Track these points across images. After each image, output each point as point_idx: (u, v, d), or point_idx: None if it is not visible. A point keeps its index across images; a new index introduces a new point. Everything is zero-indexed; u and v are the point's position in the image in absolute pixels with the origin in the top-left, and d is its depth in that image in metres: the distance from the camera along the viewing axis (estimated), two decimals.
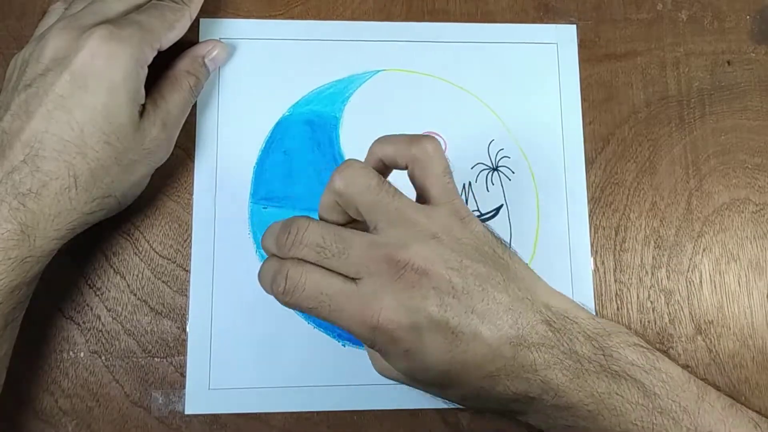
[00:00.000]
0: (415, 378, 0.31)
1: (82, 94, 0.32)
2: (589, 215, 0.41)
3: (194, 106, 0.40)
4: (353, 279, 0.29)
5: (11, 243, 0.31)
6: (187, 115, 0.38)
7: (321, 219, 0.32)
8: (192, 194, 0.40)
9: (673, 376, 0.31)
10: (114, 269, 0.39)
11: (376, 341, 0.29)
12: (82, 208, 0.33)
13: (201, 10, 0.39)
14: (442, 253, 0.29)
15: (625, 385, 0.30)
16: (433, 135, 0.31)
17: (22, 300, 0.33)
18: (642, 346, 0.32)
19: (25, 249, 0.31)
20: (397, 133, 0.32)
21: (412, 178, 0.32)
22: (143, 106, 0.35)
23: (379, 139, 0.32)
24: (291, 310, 0.39)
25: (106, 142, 0.33)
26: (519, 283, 0.30)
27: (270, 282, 0.30)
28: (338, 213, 0.31)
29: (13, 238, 0.31)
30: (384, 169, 0.32)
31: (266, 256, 0.39)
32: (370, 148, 0.32)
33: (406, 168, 0.32)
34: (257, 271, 0.39)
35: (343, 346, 0.39)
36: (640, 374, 0.30)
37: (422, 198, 0.32)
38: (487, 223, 0.41)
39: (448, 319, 0.28)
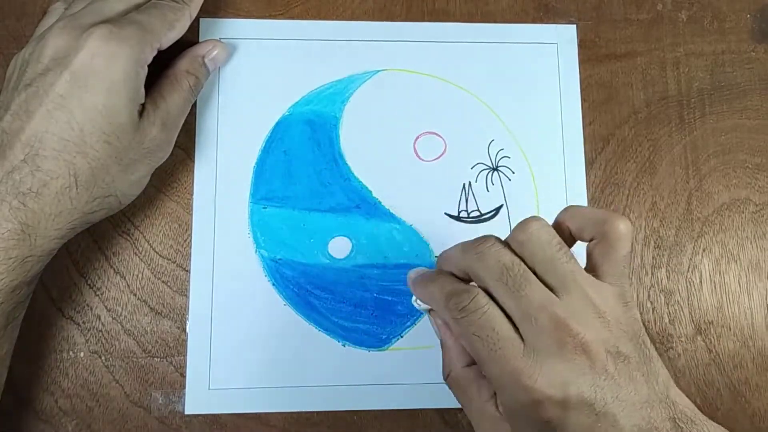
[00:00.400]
0: None
1: (83, 94, 0.32)
2: None
3: (194, 105, 0.40)
4: (518, 332, 0.29)
5: (12, 242, 0.31)
6: (186, 115, 0.38)
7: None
8: (192, 194, 0.40)
9: None
10: (114, 269, 0.39)
11: (522, 402, 0.29)
12: (82, 208, 0.33)
13: (201, 10, 0.39)
14: (604, 336, 0.29)
15: None
16: (623, 216, 0.30)
17: (22, 299, 0.33)
18: None
19: (25, 248, 0.31)
20: (589, 207, 0.32)
21: (591, 251, 0.32)
22: (143, 105, 0.35)
23: (569, 207, 0.32)
24: (290, 310, 0.39)
25: (106, 141, 0.33)
26: (657, 378, 0.31)
27: (450, 294, 0.31)
28: (463, 274, 0.32)
29: (14, 238, 0.31)
30: (566, 239, 0.32)
31: (265, 256, 0.40)
32: (559, 215, 0.32)
33: (589, 240, 0.32)
34: (257, 272, 0.39)
35: (343, 346, 0.39)
36: None
37: (592, 271, 0.32)
38: (487, 222, 0.41)
39: (595, 401, 0.29)
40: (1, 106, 0.33)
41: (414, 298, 0.34)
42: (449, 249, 0.33)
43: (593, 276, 0.31)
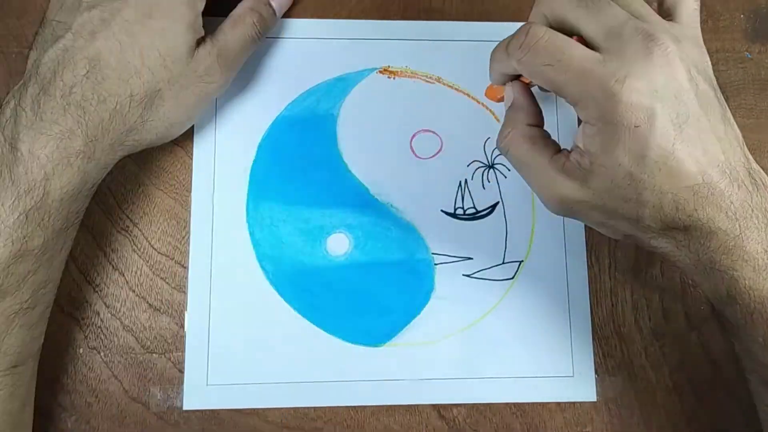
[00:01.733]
0: (630, 171, 0.30)
1: (146, 20, 0.34)
2: None
3: None
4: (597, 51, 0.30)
5: (73, 151, 0.32)
6: (248, 53, 0.38)
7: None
8: (190, 191, 0.40)
9: None
10: (113, 266, 0.39)
11: (609, 108, 0.29)
12: (133, 126, 0.34)
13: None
14: (686, 58, 0.30)
15: None
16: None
17: (80, 209, 0.34)
18: None
19: (86, 159, 0.33)
20: None
21: (662, 1, 0.33)
22: (203, 38, 0.36)
23: None
24: (288, 307, 0.39)
25: (163, 65, 0.34)
26: (731, 124, 0.31)
27: (505, 44, 0.32)
28: (547, 23, 0.32)
29: (77, 147, 0.32)
30: None
31: (263, 253, 0.40)
32: None
33: None
34: (255, 268, 0.39)
35: (341, 342, 0.39)
36: None
37: (668, 18, 0.33)
38: (483, 219, 0.41)
39: (679, 114, 0.29)
40: (59, 25, 0.34)
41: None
42: (532, 10, 0.33)
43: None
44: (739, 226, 0.30)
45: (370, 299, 0.40)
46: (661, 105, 0.29)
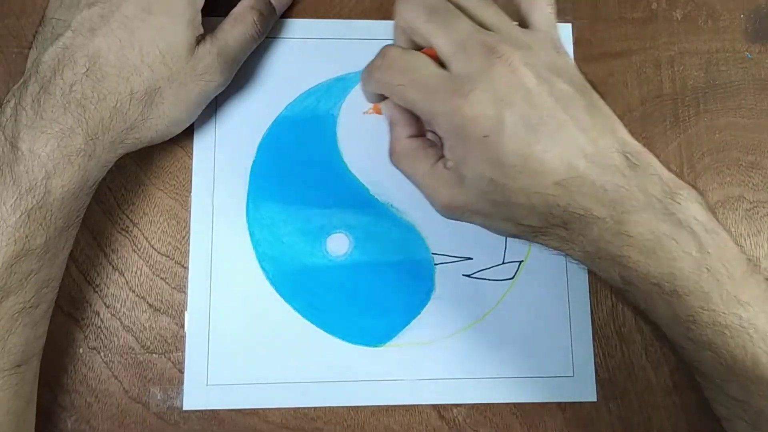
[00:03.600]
0: (491, 177, 0.31)
1: (146, 16, 0.34)
2: None
3: None
4: (444, 68, 0.31)
5: (74, 149, 0.32)
6: (248, 51, 0.39)
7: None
8: (190, 191, 0.40)
9: (728, 245, 0.31)
10: (113, 266, 0.39)
11: (458, 124, 0.30)
12: (133, 124, 0.34)
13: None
14: (535, 62, 0.31)
15: (684, 234, 0.30)
16: None
17: (81, 207, 0.34)
18: (708, 209, 0.31)
19: (86, 157, 0.33)
20: None
21: (518, 5, 0.34)
22: (203, 36, 0.36)
23: None
24: (288, 307, 0.39)
25: (162, 62, 0.34)
26: (602, 114, 0.31)
27: (368, 66, 0.33)
28: (408, 42, 0.34)
29: (78, 145, 0.32)
30: None
31: (263, 253, 0.40)
32: None
33: None
34: (255, 268, 0.39)
35: (341, 342, 0.39)
36: (699, 230, 0.30)
37: (523, 24, 0.33)
38: None
39: (530, 116, 0.30)
40: (58, 22, 0.34)
41: (364, 109, 0.38)
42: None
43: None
44: (617, 211, 0.30)
45: (370, 299, 0.40)
46: (510, 111, 0.30)
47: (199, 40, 0.36)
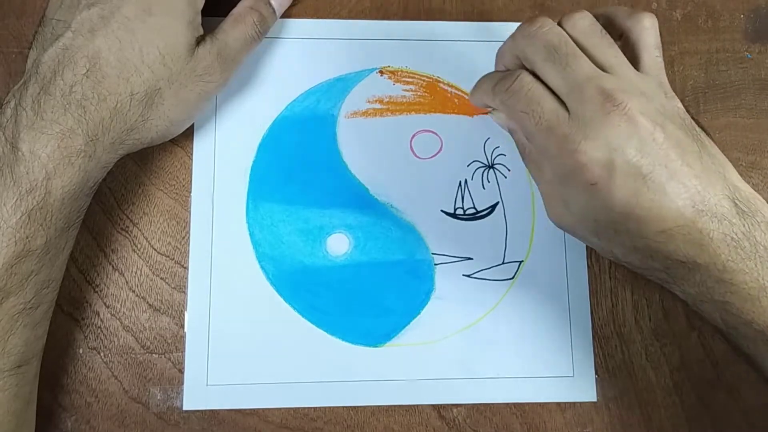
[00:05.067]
0: (596, 218, 0.31)
1: (146, 17, 0.34)
2: None
3: None
4: (565, 106, 0.32)
5: (74, 150, 0.32)
6: (248, 52, 0.38)
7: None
8: (190, 192, 0.40)
9: None
10: (113, 266, 0.39)
11: (569, 167, 0.31)
12: (134, 125, 0.34)
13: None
14: (650, 109, 0.31)
15: None
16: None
17: (82, 207, 0.34)
18: None
19: (87, 158, 0.33)
20: (614, 5, 0.35)
21: (624, 48, 0.34)
22: (203, 37, 0.36)
23: (599, 8, 0.35)
24: (288, 307, 0.39)
25: (162, 63, 0.34)
26: (713, 159, 0.31)
27: (496, 80, 0.34)
28: (516, 65, 0.34)
29: (78, 146, 0.32)
30: None
31: (263, 253, 0.40)
32: (597, 10, 0.35)
33: (619, 38, 0.35)
34: (255, 268, 0.39)
35: (341, 342, 0.39)
36: None
37: (634, 67, 0.34)
38: (482, 219, 0.41)
39: (642, 166, 0.30)
40: (58, 23, 0.34)
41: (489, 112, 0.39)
42: (505, 41, 0.35)
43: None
44: (721, 259, 0.30)
45: (370, 299, 0.40)
46: (621, 161, 0.30)
47: (199, 40, 0.36)
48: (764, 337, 0.31)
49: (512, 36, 0.34)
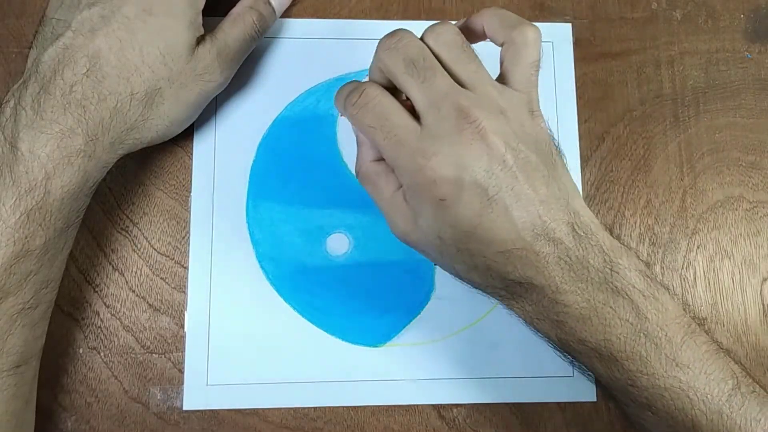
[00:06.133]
0: (440, 234, 0.31)
1: (146, 17, 0.34)
2: None
3: None
4: (417, 120, 0.31)
5: (74, 150, 0.32)
6: (248, 52, 0.39)
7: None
8: (190, 192, 0.40)
9: (668, 309, 0.32)
10: (112, 266, 0.39)
11: (417, 181, 0.31)
12: (134, 124, 0.34)
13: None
14: (505, 130, 0.31)
15: (620, 302, 0.31)
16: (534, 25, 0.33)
17: (81, 207, 0.34)
18: (647, 276, 0.32)
19: (86, 158, 0.33)
20: (505, 11, 0.34)
21: (502, 59, 0.34)
22: (203, 36, 0.36)
23: (486, 9, 0.34)
24: (288, 307, 0.39)
25: (163, 62, 0.34)
26: (560, 184, 0.32)
27: (345, 95, 0.33)
28: (385, 78, 0.33)
29: (78, 146, 0.32)
30: (475, 38, 0.35)
31: (263, 253, 0.40)
32: (476, 14, 0.34)
33: (500, 45, 0.34)
34: (255, 268, 0.39)
35: (341, 342, 0.39)
36: (637, 297, 0.31)
37: (503, 80, 0.33)
38: None
39: (488, 186, 0.30)
40: (58, 22, 0.34)
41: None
42: (380, 45, 0.34)
43: (503, 84, 0.32)
44: (555, 282, 0.31)
45: (370, 299, 0.40)
46: (470, 179, 0.30)
47: (199, 40, 0.36)
48: (597, 354, 0.32)
49: (376, 50, 0.33)
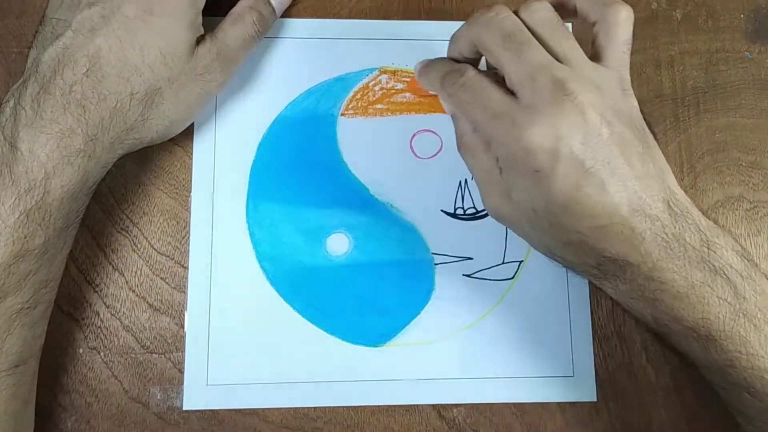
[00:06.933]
0: (534, 207, 0.32)
1: (147, 16, 0.34)
2: None
3: None
4: (514, 95, 0.31)
5: (74, 149, 0.32)
6: (248, 51, 0.38)
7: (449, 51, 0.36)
8: (190, 191, 0.40)
9: (765, 291, 0.32)
10: (113, 266, 0.39)
11: (514, 152, 0.31)
12: (134, 125, 0.34)
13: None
14: (600, 104, 0.31)
15: (719, 281, 0.31)
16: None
17: (80, 207, 0.34)
18: (745, 257, 0.32)
19: (86, 158, 0.33)
20: None
21: (595, 37, 0.34)
22: (203, 36, 0.36)
23: None
24: (288, 306, 0.39)
25: (163, 62, 0.34)
26: (654, 162, 0.32)
27: (443, 74, 0.34)
28: (471, 51, 0.34)
29: (77, 146, 0.32)
30: (567, 15, 0.35)
31: (263, 253, 0.40)
32: None
33: (592, 24, 0.34)
34: (255, 268, 0.39)
35: (341, 342, 0.39)
36: (735, 277, 0.31)
37: (596, 58, 0.34)
38: (483, 219, 0.41)
39: (585, 159, 0.30)
40: (58, 22, 0.34)
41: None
42: (461, 27, 0.35)
43: (596, 62, 0.33)
44: (652, 258, 0.31)
45: (370, 299, 0.40)
46: (566, 151, 0.30)
47: (199, 40, 0.36)
48: (694, 333, 0.31)
49: (468, 22, 0.34)
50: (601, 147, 0.30)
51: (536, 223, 0.32)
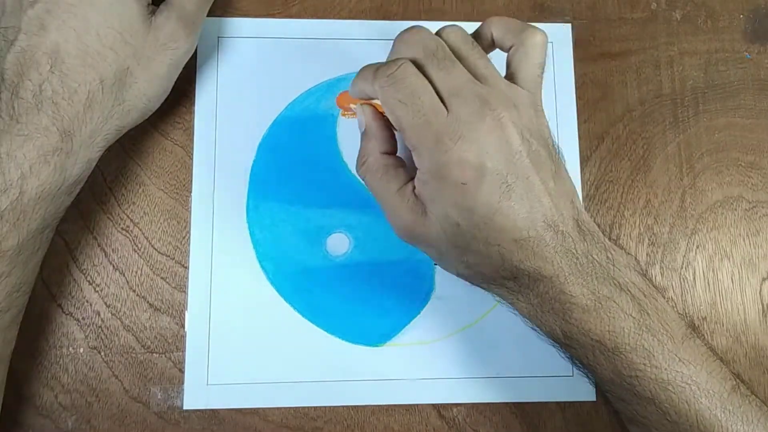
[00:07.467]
0: (457, 221, 0.32)
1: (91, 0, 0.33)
2: None
3: (192, 103, 0.41)
4: (443, 104, 0.32)
5: (50, 148, 0.32)
6: (206, 11, 0.38)
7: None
8: (190, 191, 0.40)
9: (666, 310, 0.33)
10: (113, 266, 0.39)
11: (442, 162, 0.31)
12: (111, 111, 0.34)
13: None
14: (519, 122, 0.32)
15: (624, 297, 0.32)
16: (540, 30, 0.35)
17: (59, 208, 0.34)
18: (646, 276, 0.33)
19: (63, 155, 0.32)
20: (511, 18, 0.36)
21: (510, 60, 0.35)
22: (158, 6, 0.35)
23: (493, 18, 0.36)
24: (288, 306, 0.39)
25: (122, 41, 0.34)
26: (564, 182, 0.33)
27: (375, 68, 0.33)
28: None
29: (53, 144, 0.32)
30: (484, 47, 0.35)
31: (263, 252, 0.40)
32: (482, 23, 0.36)
33: (508, 50, 0.35)
34: (255, 268, 0.40)
35: (342, 341, 0.39)
36: (638, 293, 0.33)
37: (511, 78, 0.34)
38: None
39: (507, 174, 0.31)
40: (8, 30, 0.33)
41: (341, 111, 0.39)
42: (399, 39, 0.34)
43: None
44: (564, 272, 0.32)
45: (370, 299, 0.40)
46: (491, 165, 0.31)
47: (153, 10, 0.35)
48: (601, 346, 0.32)
49: (393, 44, 0.34)
50: (522, 163, 0.31)
51: (457, 239, 0.32)
